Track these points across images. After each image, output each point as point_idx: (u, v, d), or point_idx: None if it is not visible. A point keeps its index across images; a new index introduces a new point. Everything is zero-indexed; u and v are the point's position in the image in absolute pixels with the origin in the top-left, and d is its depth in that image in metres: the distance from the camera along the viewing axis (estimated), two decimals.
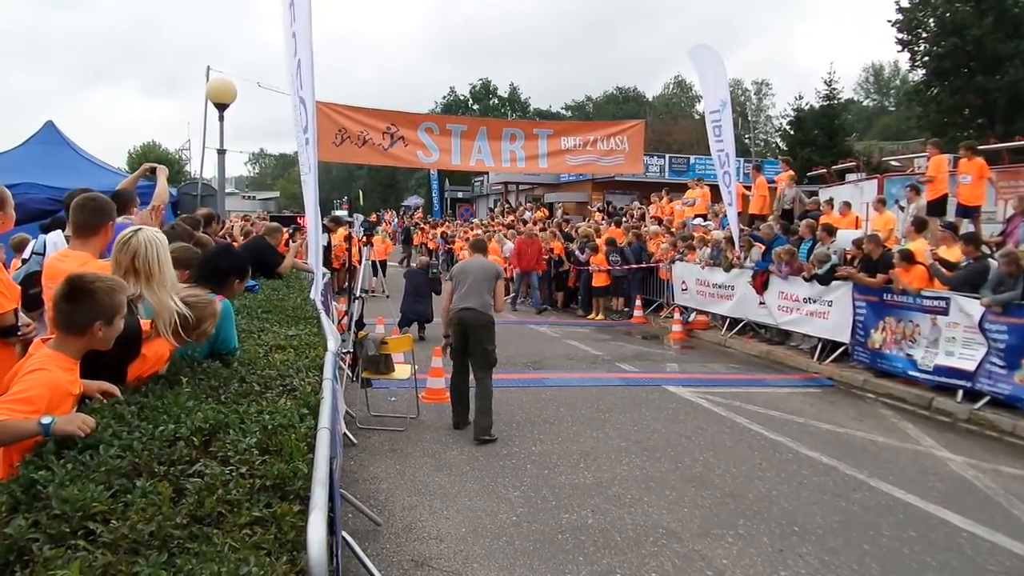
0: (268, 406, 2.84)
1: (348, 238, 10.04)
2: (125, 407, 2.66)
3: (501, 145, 13.31)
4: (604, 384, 9.63)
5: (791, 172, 16.37)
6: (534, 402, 8.45)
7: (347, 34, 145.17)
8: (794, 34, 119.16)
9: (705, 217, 17.43)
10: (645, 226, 18.00)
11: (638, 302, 15.78)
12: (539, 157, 13.63)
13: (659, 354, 12.15)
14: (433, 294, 12.65)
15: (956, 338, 8.66)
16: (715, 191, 15.86)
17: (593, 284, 16.17)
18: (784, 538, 4.99)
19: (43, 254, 4.73)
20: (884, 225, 12.77)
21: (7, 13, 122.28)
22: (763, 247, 12.71)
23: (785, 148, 41.71)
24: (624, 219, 20.12)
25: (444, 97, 74.00)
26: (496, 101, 74.52)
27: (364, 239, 11.66)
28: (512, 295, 19.08)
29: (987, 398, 8.19)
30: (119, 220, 4.29)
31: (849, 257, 10.99)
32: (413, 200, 58.75)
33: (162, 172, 6.01)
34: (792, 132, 41.52)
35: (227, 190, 17.91)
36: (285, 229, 10.07)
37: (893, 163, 25.43)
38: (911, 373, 9.19)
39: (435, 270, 13.68)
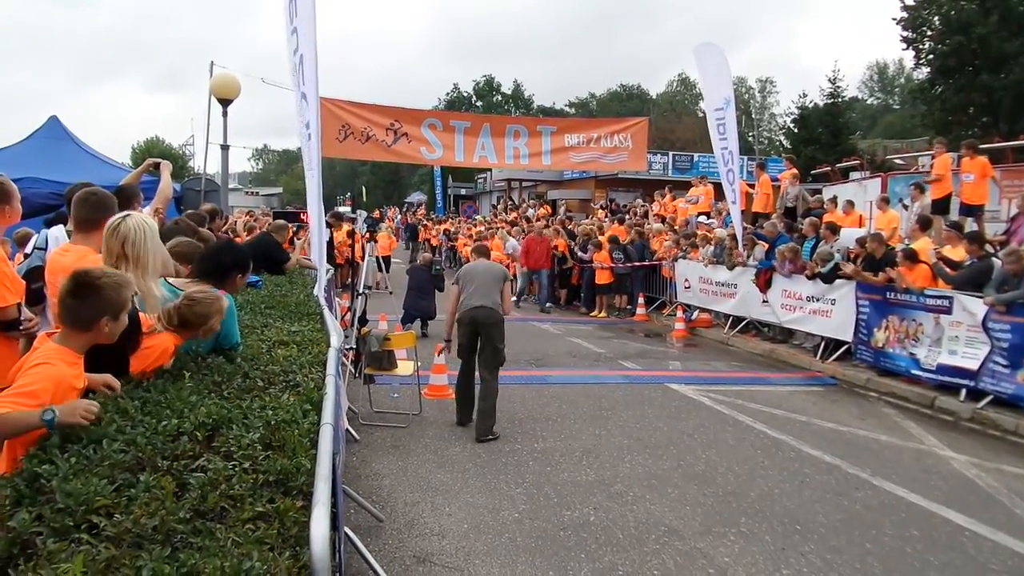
0: (271, 402, 2.84)
1: (351, 234, 10.05)
2: (128, 401, 2.66)
3: (505, 142, 13.31)
4: (606, 382, 9.63)
5: (794, 170, 16.35)
6: (536, 399, 8.45)
7: (351, 31, 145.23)
8: (798, 32, 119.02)
9: (708, 215, 17.41)
10: (648, 224, 17.98)
11: (641, 300, 15.76)
12: (543, 154, 13.64)
13: (662, 352, 12.14)
14: (436, 291, 12.65)
15: (959, 337, 8.64)
16: (718, 189, 15.84)
17: (596, 281, 16.16)
18: (786, 536, 4.99)
19: (45, 249, 4.73)
20: (888, 224, 12.74)
21: (12, 10, 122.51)
22: (766, 245, 12.69)
23: (789, 146, 41.55)
24: (627, 217, 20.10)
25: (448, 94, 73.88)
26: (500, 98, 74.34)
27: (367, 235, 11.67)
28: (518, 293, 19.09)
29: (990, 397, 8.18)
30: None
31: (852, 256, 10.98)
32: (416, 196, 58.71)
33: (166, 168, 6.01)
34: (796, 130, 41.38)
35: (230, 186, 17.91)
36: (290, 226, 10.08)
37: (897, 161, 25.40)
38: (914, 372, 9.18)
39: (438, 267, 13.68)
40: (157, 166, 6.10)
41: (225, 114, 12.44)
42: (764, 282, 12.12)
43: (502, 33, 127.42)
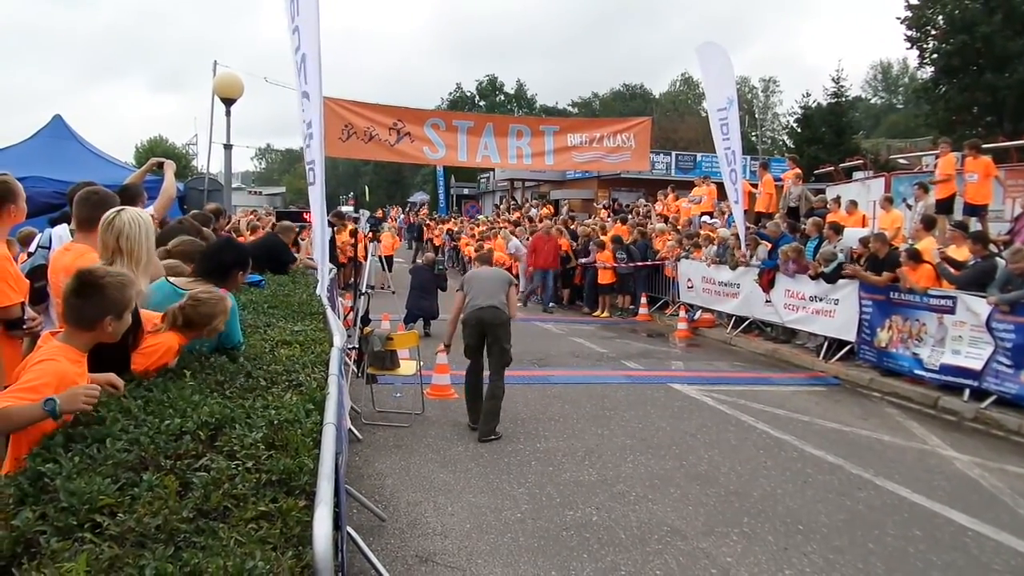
0: (274, 401, 2.85)
1: (354, 233, 10.05)
2: (132, 401, 2.67)
3: (507, 142, 13.31)
4: (609, 382, 9.63)
5: (797, 170, 16.33)
6: (539, 399, 8.45)
7: (354, 30, 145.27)
8: (802, 31, 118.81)
9: (711, 215, 17.40)
10: (651, 224, 17.97)
11: (643, 300, 15.75)
12: (545, 154, 13.64)
13: (664, 352, 12.13)
14: (439, 290, 12.65)
15: (963, 337, 8.63)
16: (721, 189, 15.83)
17: (599, 281, 16.15)
18: (789, 536, 4.98)
19: (49, 248, 4.75)
20: (891, 223, 12.73)
21: (15, 9, 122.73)
22: (769, 245, 12.68)
23: (792, 146, 41.51)
24: (630, 216, 20.09)
25: (450, 93, 73.86)
26: (502, 98, 74.33)
27: (370, 235, 11.67)
28: (522, 292, 19.09)
29: (993, 397, 8.16)
30: None
31: (856, 255, 10.96)
32: (419, 196, 58.70)
33: (169, 167, 6.02)
34: (799, 130, 41.32)
35: (233, 185, 17.94)
36: (294, 226, 10.10)
37: (901, 161, 25.35)
38: (917, 372, 9.16)
39: (441, 266, 13.68)
40: (161, 165, 6.12)
41: (228, 113, 12.46)
42: (767, 282, 12.11)
43: (505, 33, 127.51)
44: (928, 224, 10.68)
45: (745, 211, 14.10)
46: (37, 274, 4.38)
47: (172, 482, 2.04)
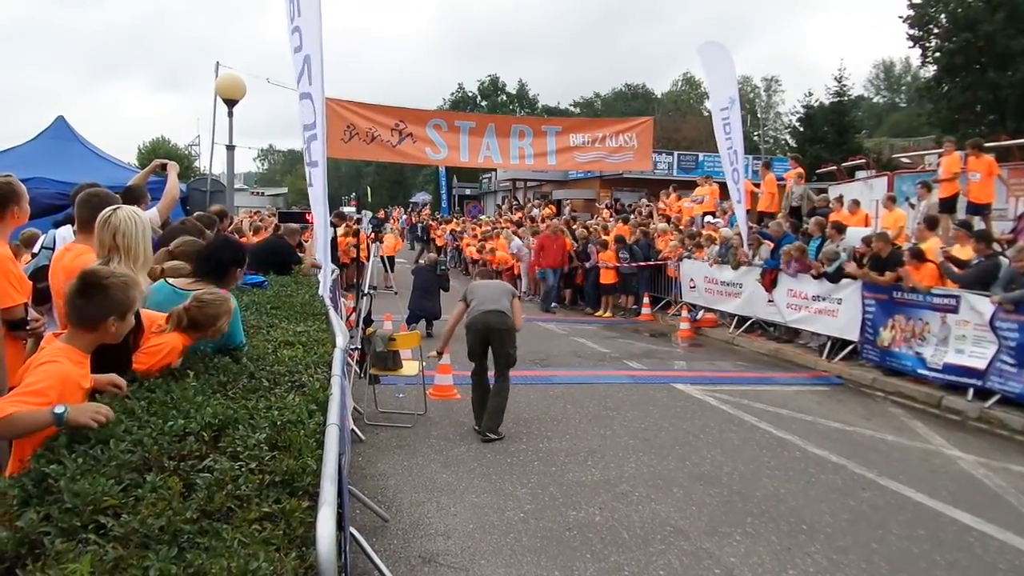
0: (277, 402, 2.85)
1: (355, 233, 10.05)
2: (135, 402, 2.67)
3: (510, 142, 13.31)
4: (612, 382, 9.62)
5: (799, 169, 16.31)
6: (541, 399, 8.45)
7: (355, 31, 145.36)
8: (804, 30, 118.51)
9: (714, 214, 17.38)
10: (653, 224, 17.96)
11: (646, 299, 15.74)
12: (548, 154, 13.64)
13: (667, 352, 12.13)
14: (441, 291, 12.65)
15: (966, 336, 8.61)
16: (723, 188, 15.81)
17: (601, 281, 16.15)
18: (792, 536, 4.98)
19: (53, 248, 4.76)
20: (894, 223, 12.71)
21: (18, 9, 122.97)
22: (772, 245, 12.67)
23: (794, 145, 41.50)
24: (632, 216, 20.09)
25: (452, 94, 73.87)
26: (504, 98, 74.30)
27: (372, 235, 11.68)
28: (526, 292, 19.08)
29: (997, 396, 8.15)
30: None
31: (858, 255, 10.95)
32: (421, 197, 58.70)
33: (173, 168, 6.04)
34: (801, 129, 41.31)
35: (236, 186, 17.95)
36: (299, 228, 10.12)
37: (903, 160, 25.30)
38: (920, 371, 9.15)
39: (443, 267, 13.68)
40: (164, 167, 6.13)
41: (231, 114, 12.45)
42: (769, 282, 12.10)
43: (507, 33, 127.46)
44: (931, 224, 10.65)
45: (747, 211, 14.10)
46: (41, 275, 4.38)
47: (176, 483, 2.05)
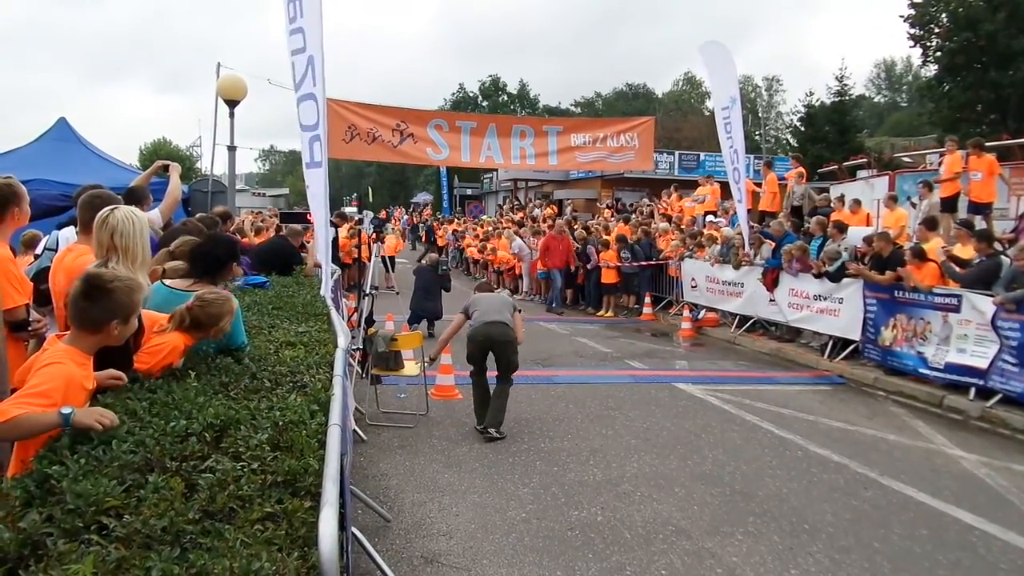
0: (279, 402, 2.85)
1: (357, 234, 10.06)
2: (137, 403, 2.68)
3: (511, 142, 13.30)
4: (613, 381, 9.62)
5: (801, 168, 16.30)
6: (543, 399, 8.45)
7: (356, 31, 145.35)
8: (805, 30, 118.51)
9: (715, 214, 17.37)
10: (654, 223, 17.95)
11: (647, 299, 15.75)
12: (549, 154, 13.62)
13: (668, 351, 12.13)
14: (443, 291, 12.65)
15: (968, 335, 8.60)
16: (725, 188, 15.80)
17: (603, 281, 16.15)
18: (794, 536, 4.98)
19: (55, 250, 4.77)
20: (896, 222, 12.70)
21: (19, 10, 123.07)
22: (773, 244, 12.67)
23: (796, 144, 41.52)
24: (633, 216, 20.08)
25: (453, 94, 73.89)
26: (505, 98, 74.32)
27: (374, 235, 11.68)
28: (526, 292, 19.06)
29: (999, 396, 8.14)
30: None
31: (860, 254, 10.94)
32: (422, 197, 58.73)
33: (175, 169, 6.05)
34: (803, 128, 41.34)
35: (237, 187, 17.97)
36: (301, 228, 10.13)
37: (905, 159, 25.28)
38: (922, 371, 9.14)
39: (444, 267, 13.68)
40: (166, 168, 6.14)
41: (232, 115, 12.45)
42: (771, 281, 12.09)
43: (507, 33, 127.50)
44: (930, 225, 10.63)
45: (749, 210, 14.08)
46: (43, 277, 4.39)
47: (178, 483, 2.05)
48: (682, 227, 17.10)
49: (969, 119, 31.39)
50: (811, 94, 41.99)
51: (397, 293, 12.41)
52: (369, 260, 9.43)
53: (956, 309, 8.79)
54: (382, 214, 40.47)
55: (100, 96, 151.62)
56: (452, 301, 12.82)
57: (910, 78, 68.25)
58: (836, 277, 10.72)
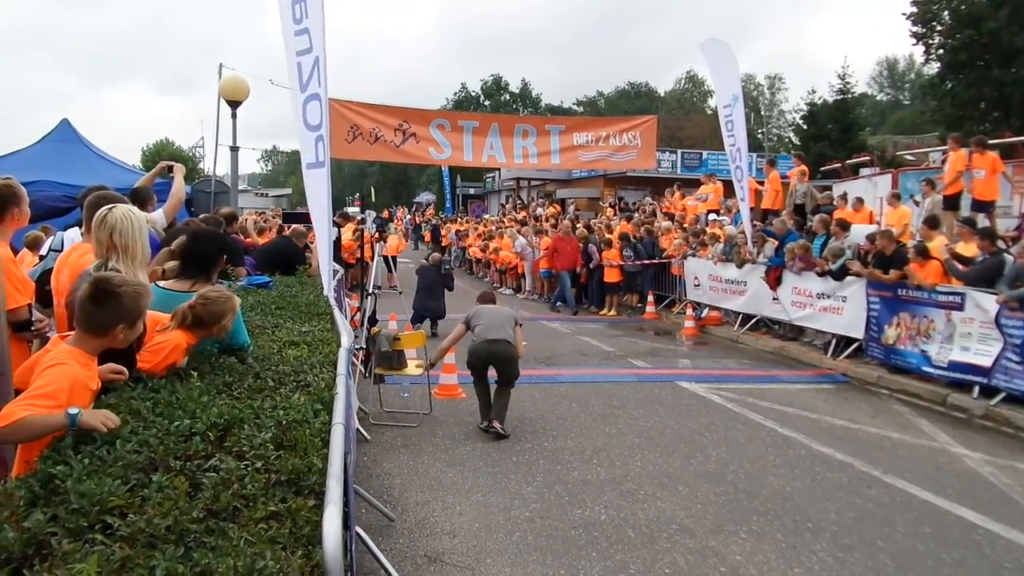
0: (282, 402, 2.86)
1: (360, 234, 10.06)
2: (141, 402, 2.68)
3: (513, 141, 13.28)
4: (616, 380, 9.62)
5: (803, 167, 16.28)
6: (546, 398, 8.45)
7: (358, 31, 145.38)
8: (807, 28, 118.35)
9: (718, 212, 17.36)
10: (657, 222, 17.94)
11: (650, 298, 15.73)
12: (551, 153, 13.59)
13: (671, 350, 12.12)
14: (446, 290, 12.65)
15: (972, 334, 8.58)
16: (728, 186, 15.78)
17: (606, 280, 16.14)
18: (798, 534, 4.97)
19: (61, 251, 4.78)
20: (899, 220, 12.68)
21: (20, 11, 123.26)
22: (776, 242, 12.65)
23: (798, 143, 41.48)
24: (636, 215, 20.07)
25: (455, 93, 73.90)
26: (508, 97, 74.30)
27: (376, 235, 11.68)
28: (529, 291, 19.05)
29: (1003, 394, 8.12)
30: None
31: (863, 252, 10.93)
32: (425, 196, 58.74)
33: (179, 170, 6.07)
34: (805, 127, 41.28)
35: (240, 187, 17.98)
36: (305, 229, 10.14)
37: (907, 157, 25.24)
38: (925, 369, 9.13)
39: (447, 266, 13.68)
40: (170, 169, 6.16)
41: (234, 116, 12.45)
42: (774, 279, 12.08)
43: (509, 32, 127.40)
44: (933, 224, 10.61)
45: (751, 208, 14.07)
46: (47, 278, 4.41)
47: (182, 483, 2.05)
48: (685, 226, 17.09)
49: (972, 117, 31.30)
50: (813, 92, 42.04)
51: (400, 292, 12.42)
52: (372, 260, 9.43)
53: (959, 307, 8.77)
54: (384, 214, 40.50)
55: (102, 97, 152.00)
56: (455, 301, 12.83)
57: (912, 76, 68.16)
58: (839, 275, 10.70)
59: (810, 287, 11.35)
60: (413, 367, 7.73)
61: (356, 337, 7.15)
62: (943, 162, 13.91)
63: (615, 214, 22.28)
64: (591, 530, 4.97)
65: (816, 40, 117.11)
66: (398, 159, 13.71)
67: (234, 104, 12.28)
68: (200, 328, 3.33)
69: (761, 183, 16.87)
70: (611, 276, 16.01)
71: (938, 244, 9.91)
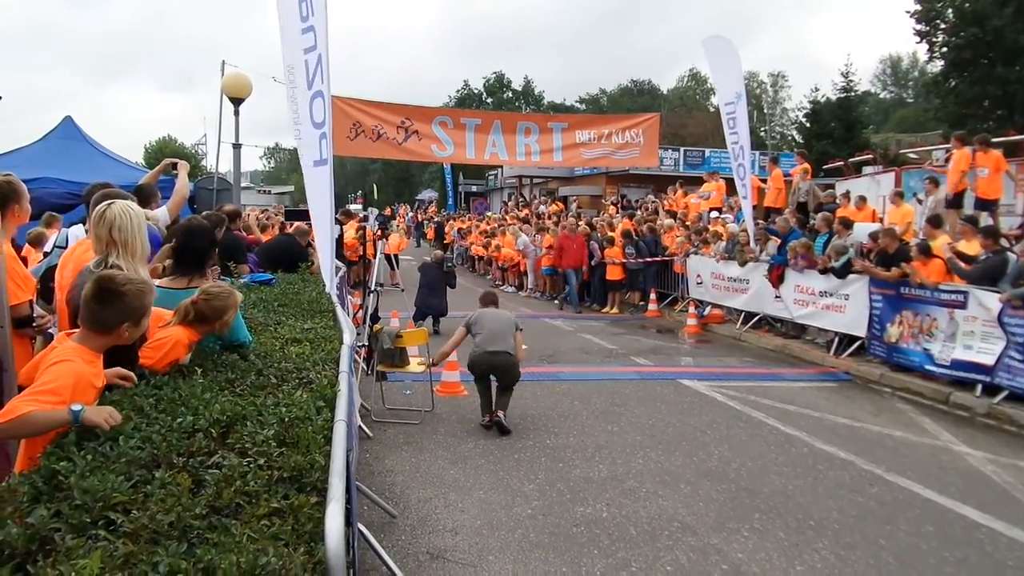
0: (285, 399, 2.86)
1: (363, 231, 10.07)
2: (144, 399, 2.69)
3: (516, 139, 13.28)
4: (619, 378, 9.62)
5: (806, 165, 16.26)
6: (548, 396, 8.45)
7: (360, 28, 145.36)
8: (811, 26, 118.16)
9: (720, 210, 17.34)
10: (660, 219, 17.92)
11: (653, 296, 15.73)
12: (554, 151, 13.60)
13: (674, 348, 12.12)
14: (448, 288, 12.65)
15: (975, 332, 8.57)
16: (730, 184, 15.76)
17: (608, 278, 16.13)
18: (800, 532, 4.97)
19: (65, 248, 4.79)
20: (902, 218, 12.66)
21: (21, 10, 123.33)
22: (779, 241, 12.64)
23: (801, 141, 41.41)
24: (638, 212, 20.04)
25: (458, 91, 73.78)
26: (510, 95, 74.22)
27: (378, 233, 11.69)
28: (531, 289, 19.04)
29: (1006, 392, 8.11)
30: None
31: (866, 250, 10.91)
32: (427, 194, 58.72)
33: (183, 167, 6.07)
34: (808, 125, 41.20)
35: (242, 184, 17.97)
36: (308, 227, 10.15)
37: (910, 155, 25.18)
38: (928, 367, 9.12)
39: (450, 264, 13.69)
40: (174, 166, 6.16)
41: (237, 113, 12.45)
42: (776, 278, 12.07)
43: (512, 29, 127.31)
44: (936, 223, 10.59)
45: (754, 206, 14.05)
46: (52, 273, 4.42)
47: (185, 479, 2.06)
48: (687, 223, 17.06)
49: (976, 115, 31.21)
50: (817, 90, 42.05)
51: (402, 290, 12.43)
52: (374, 257, 9.44)
53: (962, 305, 8.76)
54: (387, 211, 40.48)
55: (104, 96, 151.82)
56: (457, 298, 12.83)
57: (916, 74, 68.02)
58: (842, 273, 10.69)
59: (813, 285, 11.34)
60: (415, 364, 7.73)
61: (358, 334, 7.16)
62: (946, 160, 13.88)
63: (617, 212, 22.25)
64: (593, 527, 4.97)
65: (819, 38, 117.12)
66: (400, 156, 13.72)
67: (236, 101, 12.28)
68: (202, 324, 3.34)
69: (764, 181, 16.83)
70: (613, 274, 16.00)
71: (941, 243, 9.89)
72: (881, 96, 74.85)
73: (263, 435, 2.41)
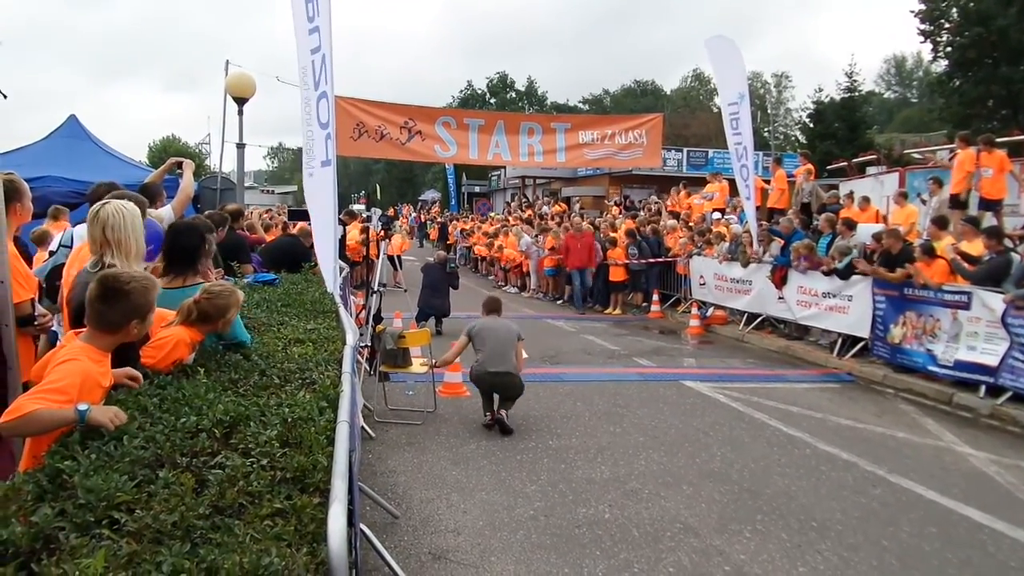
0: (288, 399, 2.87)
1: (365, 232, 10.08)
2: (148, 399, 2.70)
3: (519, 139, 13.30)
4: (621, 379, 9.61)
5: (809, 165, 16.24)
6: (551, 396, 8.45)
7: (363, 29, 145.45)
8: (814, 26, 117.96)
9: (724, 211, 17.33)
10: (663, 220, 17.91)
11: (655, 297, 15.71)
12: (557, 151, 13.61)
13: (676, 349, 12.11)
14: (451, 288, 12.66)
15: (978, 333, 8.56)
16: (734, 185, 15.75)
17: (611, 279, 16.12)
18: (803, 534, 4.97)
19: (70, 247, 4.80)
20: (906, 219, 12.63)
21: (22, 9, 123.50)
22: (782, 241, 12.62)
23: (805, 141, 41.36)
24: (641, 213, 20.03)
25: (461, 91, 73.84)
26: (513, 95, 74.25)
27: (382, 233, 11.70)
28: (534, 290, 19.04)
29: (1009, 393, 8.10)
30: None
31: (869, 251, 10.90)
32: (430, 194, 58.77)
33: (188, 167, 6.09)
34: (812, 125, 41.20)
35: (246, 184, 18.02)
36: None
37: (914, 156, 25.14)
38: (931, 368, 9.10)
39: (452, 264, 13.69)
40: (179, 165, 6.18)
41: (241, 113, 12.48)
42: (779, 278, 12.06)
43: (515, 30, 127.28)
44: (941, 224, 10.57)
45: (757, 207, 14.03)
46: (57, 272, 4.43)
47: (188, 479, 2.07)
48: (690, 224, 17.05)
49: (980, 115, 31.16)
50: (820, 90, 42.12)
51: (405, 291, 12.44)
52: (377, 257, 9.44)
53: (966, 306, 8.75)
54: (390, 212, 40.52)
55: (108, 95, 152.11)
56: (460, 299, 12.84)
57: (920, 74, 67.90)
58: (845, 274, 10.68)
59: (816, 286, 11.33)
60: (418, 365, 7.74)
61: (361, 335, 7.16)
62: (951, 160, 13.84)
63: (620, 212, 22.24)
64: (595, 528, 4.97)
65: (823, 38, 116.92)
66: (404, 157, 13.74)
67: (240, 101, 12.31)
68: (205, 323, 3.35)
69: (767, 181, 16.82)
70: (616, 275, 15.99)
71: (946, 244, 9.88)
72: (885, 96, 74.73)
73: (266, 435, 2.42)
